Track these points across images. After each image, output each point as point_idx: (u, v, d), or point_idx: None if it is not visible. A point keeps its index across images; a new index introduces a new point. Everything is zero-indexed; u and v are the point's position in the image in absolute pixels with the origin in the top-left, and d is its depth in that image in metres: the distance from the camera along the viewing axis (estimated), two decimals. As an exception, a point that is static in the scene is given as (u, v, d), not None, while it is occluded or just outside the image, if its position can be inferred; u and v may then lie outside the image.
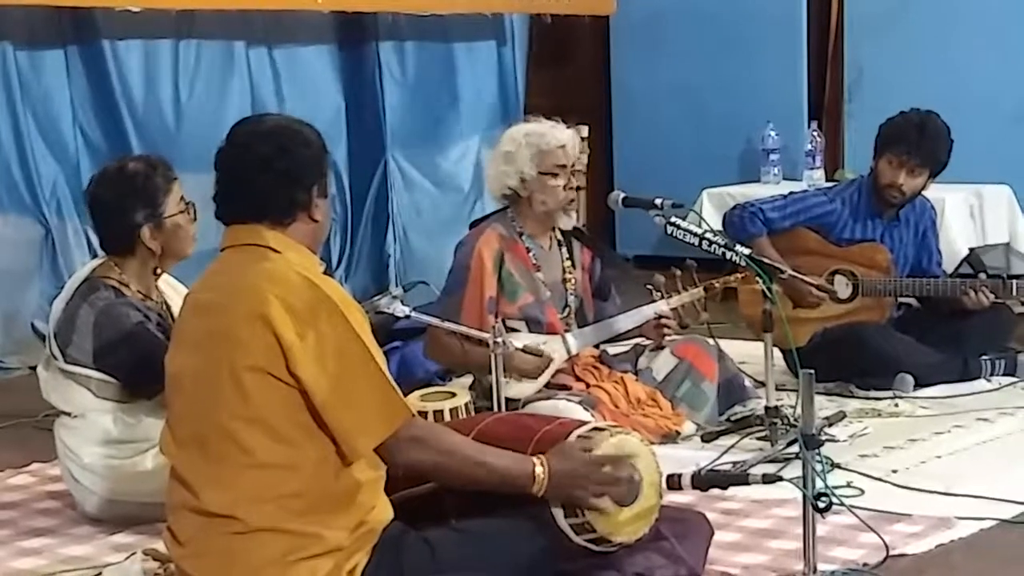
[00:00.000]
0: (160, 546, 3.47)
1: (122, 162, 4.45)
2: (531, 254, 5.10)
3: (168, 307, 4.41)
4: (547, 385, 5.00)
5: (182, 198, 4.37)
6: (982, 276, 5.78)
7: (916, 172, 5.70)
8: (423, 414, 4.24)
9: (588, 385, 5.05)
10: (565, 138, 5.07)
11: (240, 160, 3.21)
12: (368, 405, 3.10)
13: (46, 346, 4.41)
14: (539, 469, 3.24)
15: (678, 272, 5.14)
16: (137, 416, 4.28)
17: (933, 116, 5.74)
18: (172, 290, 4.48)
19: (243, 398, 3.07)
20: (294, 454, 3.08)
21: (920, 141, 5.66)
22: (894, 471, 4.58)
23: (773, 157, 8.25)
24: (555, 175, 5.03)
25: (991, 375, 5.73)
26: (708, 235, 4.79)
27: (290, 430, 3.08)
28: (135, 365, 4.20)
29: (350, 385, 3.08)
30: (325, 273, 3.25)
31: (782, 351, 5.26)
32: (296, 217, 3.21)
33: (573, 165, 5.09)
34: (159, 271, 4.43)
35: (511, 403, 4.68)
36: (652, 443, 3.94)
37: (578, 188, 5.16)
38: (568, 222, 5.11)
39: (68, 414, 4.36)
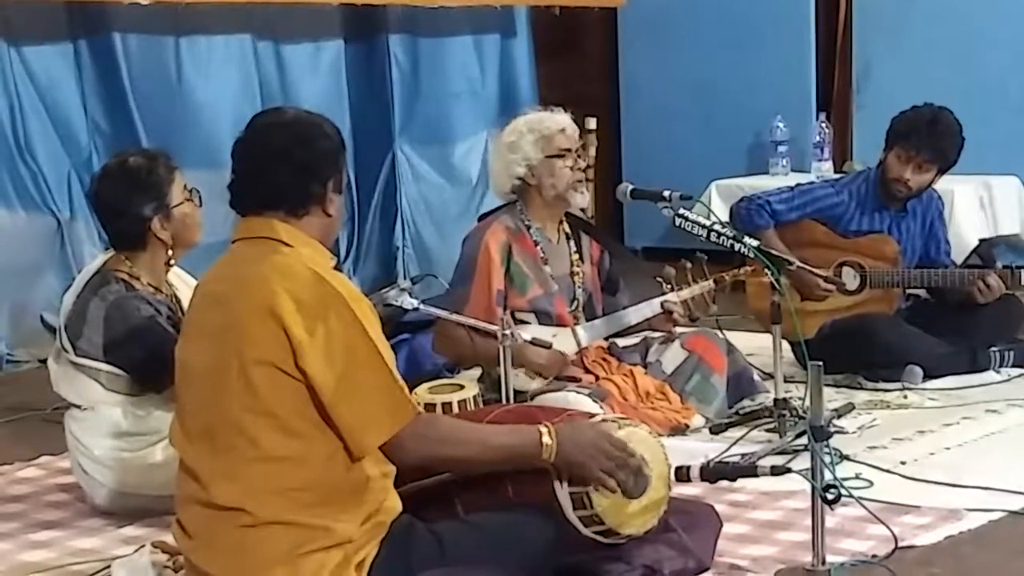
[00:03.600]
0: (169, 539, 3.47)
1: (122, 158, 4.45)
2: (539, 247, 5.10)
3: (178, 300, 4.42)
4: (556, 377, 5.00)
5: (185, 186, 4.38)
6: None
7: (924, 168, 5.68)
8: (431, 406, 4.24)
9: (597, 377, 5.05)
10: (564, 122, 5.11)
11: (258, 150, 3.22)
12: (374, 403, 3.10)
13: (56, 339, 4.42)
14: (547, 438, 3.23)
15: (688, 264, 5.15)
16: (147, 409, 4.29)
17: (945, 112, 5.72)
18: (181, 282, 4.49)
19: (251, 391, 3.07)
20: (303, 447, 3.09)
21: (930, 137, 5.64)
22: (903, 463, 4.58)
23: (781, 149, 8.25)
24: (561, 156, 5.04)
25: (1000, 366, 5.72)
26: (716, 227, 4.78)
27: (299, 424, 3.08)
28: (145, 359, 4.21)
29: (357, 382, 3.08)
30: (335, 268, 3.25)
31: (790, 343, 5.26)
32: (310, 210, 3.22)
33: (576, 150, 5.10)
34: (172, 262, 4.44)
35: (519, 395, 4.69)
36: (661, 436, 3.95)
37: (586, 174, 5.17)
38: (582, 200, 5.12)
39: (78, 407, 4.37)
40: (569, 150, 5.07)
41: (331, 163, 3.25)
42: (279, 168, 3.19)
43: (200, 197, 4.39)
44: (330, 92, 7.88)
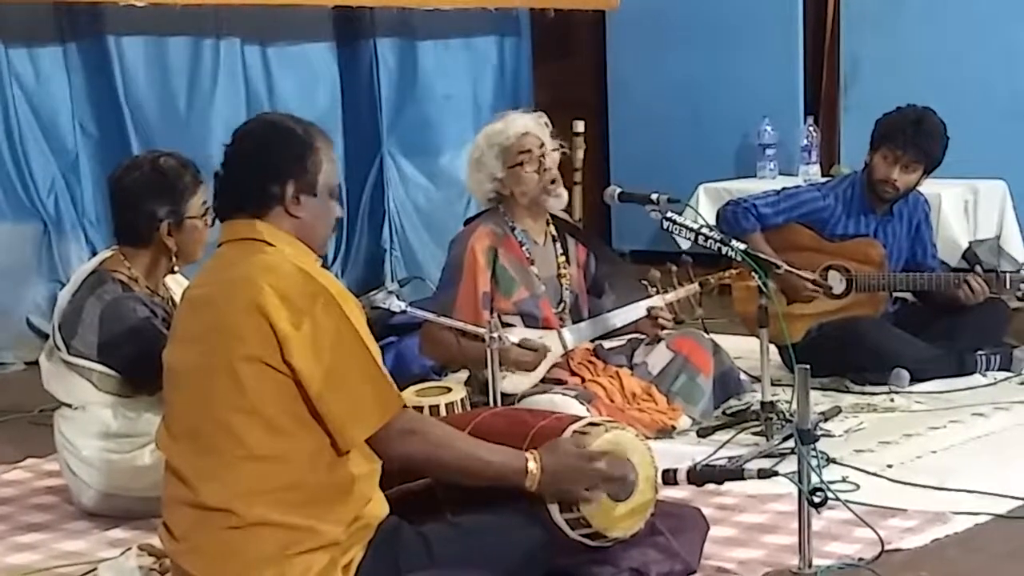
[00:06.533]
0: (156, 541, 3.47)
1: (155, 155, 4.45)
2: (524, 248, 5.10)
3: (174, 303, 4.41)
4: (543, 380, 5.00)
5: (204, 202, 4.38)
6: (977, 269, 5.79)
7: (910, 168, 5.70)
8: (419, 409, 4.24)
9: (584, 380, 5.05)
10: (526, 124, 5.07)
11: (228, 156, 3.28)
12: (362, 395, 3.11)
13: (49, 337, 4.41)
14: (532, 464, 3.25)
15: (674, 267, 5.15)
16: (137, 410, 4.29)
17: (930, 112, 5.75)
18: (178, 286, 4.48)
19: (239, 389, 3.08)
20: (288, 446, 3.09)
21: (916, 137, 5.67)
22: (889, 466, 4.58)
23: (769, 152, 8.25)
24: (522, 164, 5.02)
25: (986, 370, 5.73)
26: (704, 231, 4.79)
27: (285, 421, 3.08)
28: (138, 360, 4.20)
29: (344, 375, 3.09)
30: (322, 267, 3.26)
31: (777, 346, 5.26)
32: (272, 210, 3.22)
33: (542, 147, 5.07)
34: (176, 269, 4.44)
35: (507, 398, 4.69)
36: (647, 438, 3.96)
37: (562, 171, 5.13)
38: (557, 204, 5.11)
39: (68, 405, 4.36)
40: (530, 151, 5.03)
41: (290, 164, 3.24)
42: (240, 171, 3.24)
43: (214, 218, 4.37)
44: (320, 96, 7.87)
